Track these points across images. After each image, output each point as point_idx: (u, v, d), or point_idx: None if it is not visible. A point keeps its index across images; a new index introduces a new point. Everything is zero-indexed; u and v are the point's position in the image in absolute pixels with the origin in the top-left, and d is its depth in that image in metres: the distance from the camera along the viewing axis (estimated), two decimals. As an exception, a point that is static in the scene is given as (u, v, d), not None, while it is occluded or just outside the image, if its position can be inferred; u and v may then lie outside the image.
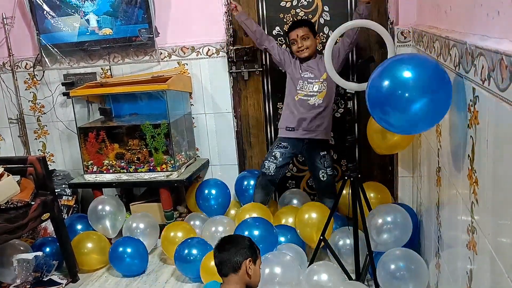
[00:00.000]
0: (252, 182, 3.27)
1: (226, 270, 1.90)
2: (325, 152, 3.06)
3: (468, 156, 1.43)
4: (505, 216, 1.13)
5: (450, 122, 1.76)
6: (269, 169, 3.05)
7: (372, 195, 2.95)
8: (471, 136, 1.40)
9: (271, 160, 3.06)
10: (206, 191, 3.28)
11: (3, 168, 2.63)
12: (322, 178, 3.06)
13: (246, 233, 2.63)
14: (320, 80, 2.96)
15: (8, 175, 2.62)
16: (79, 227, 3.20)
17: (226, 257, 1.90)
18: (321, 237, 2.70)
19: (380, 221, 2.55)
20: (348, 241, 2.72)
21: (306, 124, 2.99)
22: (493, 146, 1.20)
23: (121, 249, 2.90)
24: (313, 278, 2.41)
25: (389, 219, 2.55)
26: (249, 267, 1.89)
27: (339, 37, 2.70)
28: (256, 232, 2.65)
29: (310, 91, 2.96)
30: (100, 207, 3.15)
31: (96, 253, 2.98)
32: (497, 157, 1.17)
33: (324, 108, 2.97)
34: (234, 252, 1.90)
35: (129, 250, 2.89)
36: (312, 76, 2.97)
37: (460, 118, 1.55)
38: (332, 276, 2.42)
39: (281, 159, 3.05)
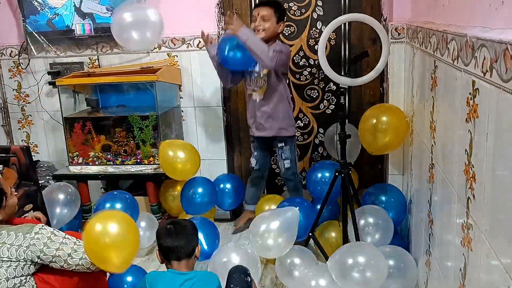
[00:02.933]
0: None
1: (181, 255, 1.94)
2: (283, 144, 2.95)
3: (466, 150, 1.41)
4: (505, 211, 1.10)
5: (445, 118, 1.74)
6: (252, 164, 3.11)
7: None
8: (469, 130, 1.37)
9: (252, 156, 3.12)
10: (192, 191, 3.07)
11: (-16, 157, 2.55)
12: (282, 169, 3.03)
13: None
14: (261, 74, 2.84)
15: (-11, 164, 2.54)
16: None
17: (182, 244, 1.94)
18: (310, 234, 2.68)
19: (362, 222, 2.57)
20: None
21: (254, 121, 2.97)
22: (494, 139, 1.17)
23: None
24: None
25: (370, 220, 2.58)
26: (198, 251, 2.02)
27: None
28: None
29: (254, 86, 2.90)
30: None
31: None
32: (498, 150, 1.14)
33: (268, 104, 2.86)
34: (190, 237, 1.98)
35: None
36: (256, 69, 2.86)
37: (457, 112, 1.52)
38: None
39: (256, 153, 3.09)
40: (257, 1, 3.21)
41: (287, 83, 3.04)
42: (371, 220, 2.57)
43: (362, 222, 2.57)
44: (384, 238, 2.55)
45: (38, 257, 1.90)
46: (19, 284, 1.89)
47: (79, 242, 1.96)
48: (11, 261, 1.87)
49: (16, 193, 2.14)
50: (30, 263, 1.90)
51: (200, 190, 3.05)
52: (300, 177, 3.11)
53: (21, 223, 2.08)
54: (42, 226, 1.97)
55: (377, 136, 2.68)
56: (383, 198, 2.81)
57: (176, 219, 2.03)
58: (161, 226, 2.04)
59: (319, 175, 2.91)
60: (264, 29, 2.76)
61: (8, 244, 1.88)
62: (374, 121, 2.68)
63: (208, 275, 2.04)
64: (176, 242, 1.93)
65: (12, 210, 2.07)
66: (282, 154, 2.97)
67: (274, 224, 2.42)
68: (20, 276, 1.89)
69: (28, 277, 1.92)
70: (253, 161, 3.12)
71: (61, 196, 2.96)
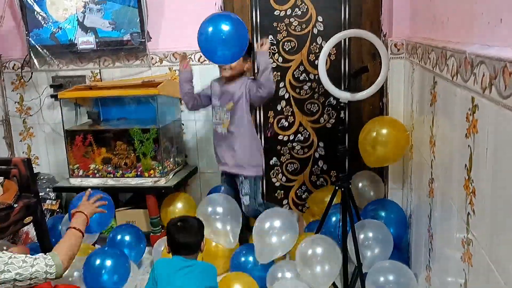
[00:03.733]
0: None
1: (190, 251, 2.13)
2: (242, 178, 2.82)
3: (465, 165, 1.42)
4: (505, 226, 1.11)
5: (445, 133, 1.76)
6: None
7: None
8: (468, 146, 1.39)
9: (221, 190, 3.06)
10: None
11: (-15, 169, 2.55)
12: (242, 205, 2.87)
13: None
14: (224, 109, 2.79)
15: (-10, 176, 2.54)
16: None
17: (190, 239, 2.14)
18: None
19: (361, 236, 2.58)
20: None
21: (217, 154, 2.91)
22: (493, 154, 1.18)
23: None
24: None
25: (370, 234, 2.59)
26: (204, 245, 2.20)
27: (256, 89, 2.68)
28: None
29: (218, 118, 2.84)
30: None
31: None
32: (498, 165, 1.15)
33: (231, 139, 2.79)
34: (198, 233, 2.18)
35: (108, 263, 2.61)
36: (220, 103, 2.82)
37: (456, 128, 1.54)
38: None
39: (223, 188, 3.05)
40: (258, 16, 3.25)
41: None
42: (370, 234, 2.57)
43: (361, 236, 2.56)
44: (383, 252, 2.55)
45: None
46: None
47: (30, 257, 1.72)
48: None
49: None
50: None
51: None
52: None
53: None
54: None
55: (376, 148, 2.69)
56: (383, 214, 2.81)
57: (184, 216, 2.20)
58: (171, 223, 2.20)
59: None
60: (231, 67, 2.74)
61: None
62: (374, 134, 2.70)
63: (207, 266, 2.23)
64: (185, 239, 2.13)
65: None
66: (242, 189, 2.84)
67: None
68: None
69: None
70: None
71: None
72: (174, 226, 2.17)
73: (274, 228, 2.62)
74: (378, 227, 2.61)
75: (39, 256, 1.73)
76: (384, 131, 2.68)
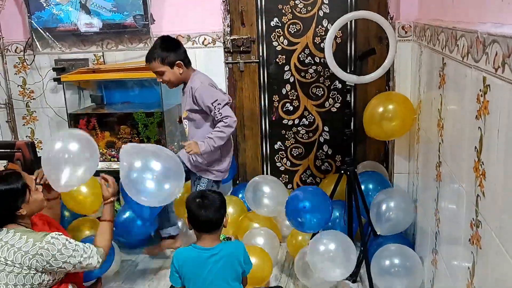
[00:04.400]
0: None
1: (213, 227, 2.04)
2: (200, 175, 2.67)
3: (475, 148, 1.40)
4: (516, 208, 1.09)
5: (454, 115, 1.73)
6: None
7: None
8: (479, 127, 1.36)
9: None
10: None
11: (-11, 152, 2.55)
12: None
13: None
14: (182, 117, 2.69)
15: (-6, 160, 2.54)
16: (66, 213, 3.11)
17: (213, 216, 2.02)
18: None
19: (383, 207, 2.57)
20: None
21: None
22: (505, 135, 1.16)
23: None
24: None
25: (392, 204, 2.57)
26: (227, 221, 2.10)
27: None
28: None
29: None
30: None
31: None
32: (509, 146, 1.13)
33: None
34: (219, 210, 2.05)
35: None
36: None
37: (466, 109, 1.51)
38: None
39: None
40: (263, 2, 3.20)
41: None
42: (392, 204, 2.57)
43: (383, 206, 2.58)
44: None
45: (43, 267, 1.85)
46: None
47: (88, 248, 2.00)
48: (14, 266, 1.82)
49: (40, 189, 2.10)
50: (34, 271, 1.84)
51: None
52: None
53: (40, 220, 2.07)
54: (57, 235, 1.90)
55: (383, 122, 2.68)
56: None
57: (204, 191, 2.12)
58: (190, 198, 2.09)
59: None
60: (166, 81, 2.57)
61: (16, 247, 1.84)
62: (381, 109, 2.69)
63: (232, 246, 2.12)
64: (206, 216, 2.02)
65: (37, 206, 2.03)
66: (198, 186, 2.66)
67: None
68: (28, 286, 1.85)
69: None
70: None
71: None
72: (194, 202, 2.06)
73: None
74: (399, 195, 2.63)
75: (93, 249, 2.01)
76: (391, 106, 2.68)
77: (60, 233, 1.95)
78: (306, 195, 2.57)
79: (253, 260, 2.25)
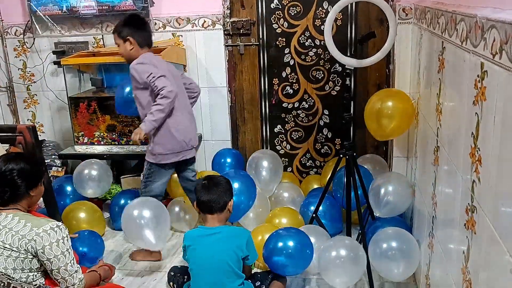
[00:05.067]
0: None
1: (215, 209, 2.14)
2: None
3: (472, 133, 1.40)
4: (510, 194, 1.10)
5: (452, 100, 1.73)
6: None
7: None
8: (476, 113, 1.36)
9: None
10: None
11: (-10, 136, 2.56)
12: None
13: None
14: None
15: (-4, 143, 2.55)
16: (68, 188, 3.17)
17: (215, 198, 2.13)
18: (313, 215, 2.70)
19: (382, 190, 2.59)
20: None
21: None
22: (501, 122, 1.16)
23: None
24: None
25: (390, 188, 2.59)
26: (231, 206, 2.19)
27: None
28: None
29: None
30: (86, 171, 3.07)
31: (87, 224, 2.92)
32: (505, 132, 1.13)
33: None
34: (223, 192, 2.15)
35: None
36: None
37: (463, 95, 1.51)
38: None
39: None
40: (263, -19, 3.17)
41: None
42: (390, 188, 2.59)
43: (382, 190, 2.60)
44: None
45: (36, 252, 1.84)
46: (25, 279, 1.85)
47: (76, 264, 1.96)
48: (12, 250, 1.82)
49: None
50: (31, 256, 1.85)
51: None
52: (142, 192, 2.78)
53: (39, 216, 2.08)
54: (58, 226, 1.90)
55: (383, 122, 2.65)
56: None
57: (212, 175, 2.20)
58: (198, 181, 2.24)
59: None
60: (120, 54, 2.70)
61: (14, 231, 1.84)
62: (379, 105, 2.66)
63: (237, 230, 2.24)
64: (208, 197, 2.13)
65: (37, 199, 2.08)
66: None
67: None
68: (27, 271, 1.86)
69: (36, 274, 1.89)
70: None
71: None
72: (199, 184, 2.18)
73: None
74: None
75: (80, 270, 1.97)
76: (390, 103, 2.63)
77: (64, 226, 1.94)
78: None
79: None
